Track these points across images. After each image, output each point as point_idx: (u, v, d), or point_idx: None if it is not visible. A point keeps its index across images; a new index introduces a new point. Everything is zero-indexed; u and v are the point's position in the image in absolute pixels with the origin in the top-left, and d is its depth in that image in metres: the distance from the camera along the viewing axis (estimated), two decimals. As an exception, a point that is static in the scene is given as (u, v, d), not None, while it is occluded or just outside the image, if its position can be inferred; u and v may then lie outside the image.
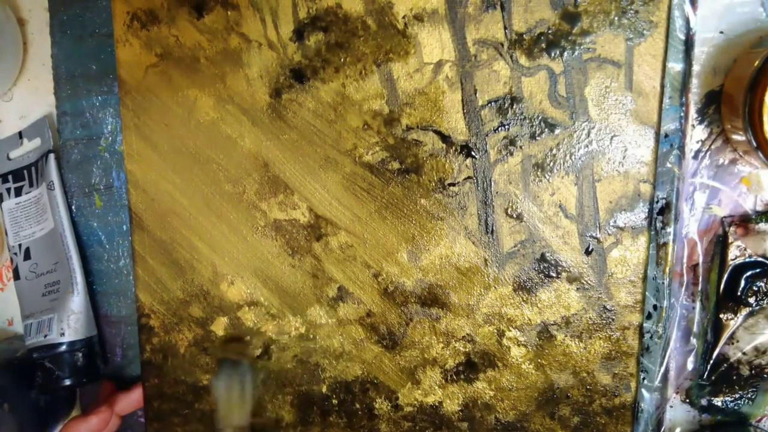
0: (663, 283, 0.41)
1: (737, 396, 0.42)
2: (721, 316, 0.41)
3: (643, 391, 0.42)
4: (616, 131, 0.40)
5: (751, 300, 0.40)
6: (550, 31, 0.39)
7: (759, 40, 0.40)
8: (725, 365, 0.41)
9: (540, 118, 0.40)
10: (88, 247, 0.46)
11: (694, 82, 0.40)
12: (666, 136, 0.40)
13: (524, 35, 0.39)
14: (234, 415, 0.42)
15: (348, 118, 0.41)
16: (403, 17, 0.40)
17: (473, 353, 0.43)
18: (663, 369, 0.42)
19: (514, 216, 0.41)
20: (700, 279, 0.42)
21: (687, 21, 0.39)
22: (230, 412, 0.42)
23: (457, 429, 0.44)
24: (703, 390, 0.42)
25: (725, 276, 0.41)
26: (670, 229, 0.41)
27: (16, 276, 0.46)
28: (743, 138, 0.37)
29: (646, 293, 0.41)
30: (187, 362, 0.45)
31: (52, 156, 0.45)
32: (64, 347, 0.43)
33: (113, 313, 0.46)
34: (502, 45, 0.40)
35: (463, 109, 0.41)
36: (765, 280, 0.40)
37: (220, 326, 0.44)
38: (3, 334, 0.50)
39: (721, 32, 0.40)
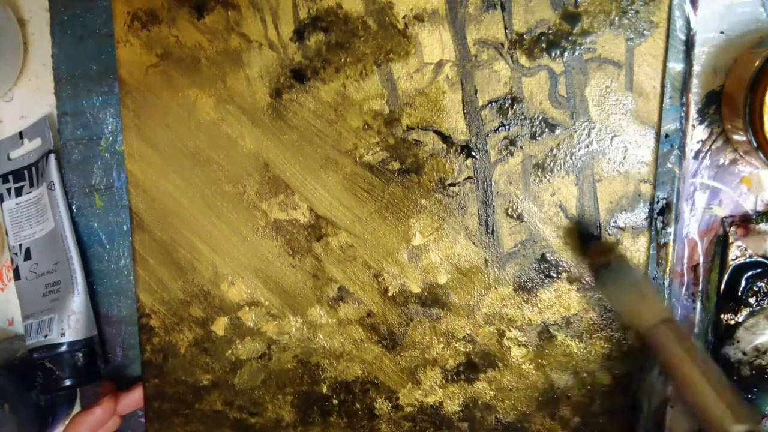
0: (663, 283, 0.41)
1: (738, 396, 0.42)
2: (722, 316, 0.41)
3: (644, 391, 0.42)
4: (617, 131, 0.40)
5: (752, 300, 0.40)
6: (550, 32, 0.39)
7: (759, 40, 0.40)
8: (726, 366, 0.41)
9: (540, 118, 0.40)
10: (89, 247, 0.46)
11: (695, 82, 0.40)
12: (666, 136, 0.40)
13: (525, 35, 0.39)
14: (657, 305, 0.36)
15: (348, 118, 0.41)
16: (404, 17, 0.40)
17: (474, 353, 0.43)
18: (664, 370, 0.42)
19: (515, 216, 0.41)
20: (701, 279, 0.42)
21: (687, 21, 0.39)
22: (653, 304, 0.36)
23: (457, 429, 0.44)
24: (704, 390, 0.42)
25: (726, 276, 0.41)
26: (670, 230, 0.41)
27: (17, 276, 0.46)
28: (744, 138, 0.37)
29: (647, 293, 0.41)
30: (187, 362, 0.45)
31: (52, 156, 0.45)
32: (64, 347, 0.43)
33: (114, 313, 0.46)
34: (503, 45, 0.40)
35: (463, 109, 0.41)
36: (765, 280, 0.40)
37: (220, 326, 0.44)
38: (3, 334, 0.50)
39: (722, 32, 0.40)
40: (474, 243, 0.42)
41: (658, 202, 0.40)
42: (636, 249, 0.40)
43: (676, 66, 0.39)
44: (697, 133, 0.41)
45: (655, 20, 0.38)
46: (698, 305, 0.42)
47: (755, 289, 0.40)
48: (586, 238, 0.39)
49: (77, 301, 0.44)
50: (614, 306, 0.39)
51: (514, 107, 0.40)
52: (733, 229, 0.40)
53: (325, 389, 0.44)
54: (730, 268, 0.41)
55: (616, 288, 0.38)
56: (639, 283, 0.37)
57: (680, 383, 0.33)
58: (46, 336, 0.43)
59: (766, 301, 0.40)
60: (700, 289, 0.42)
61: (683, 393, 0.33)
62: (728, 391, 0.32)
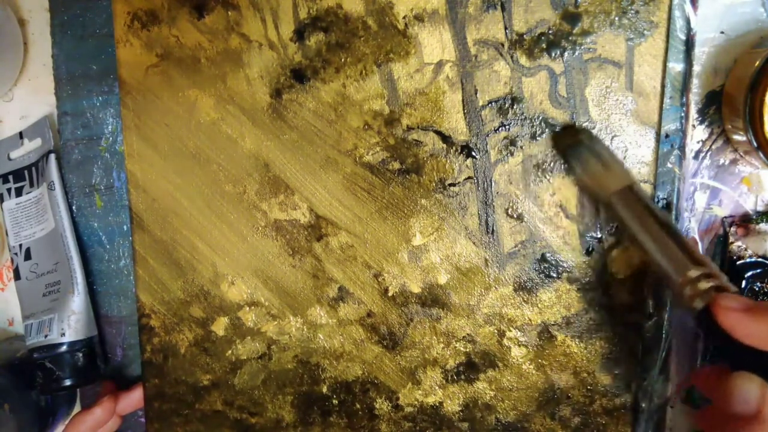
0: (664, 283, 0.41)
1: (738, 396, 0.42)
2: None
3: (644, 391, 0.42)
4: (617, 131, 0.40)
5: (752, 300, 0.40)
6: (550, 32, 0.39)
7: (760, 40, 0.40)
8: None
9: (540, 118, 0.40)
10: (89, 247, 0.46)
11: (695, 82, 0.40)
12: (667, 136, 0.40)
13: (525, 35, 0.39)
14: (619, 173, 0.37)
15: (348, 118, 0.41)
16: (404, 17, 0.40)
17: (474, 353, 0.43)
18: (664, 369, 0.42)
19: (515, 216, 0.41)
20: (701, 279, 0.42)
21: (688, 21, 0.39)
22: (616, 171, 0.37)
23: (457, 429, 0.44)
24: (704, 390, 0.42)
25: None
26: (670, 230, 0.41)
27: (17, 276, 0.46)
28: (744, 138, 0.37)
29: (647, 293, 0.41)
30: (187, 362, 0.45)
31: (52, 156, 0.45)
32: (64, 347, 0.43)
33: (114, 313, 0.46)
34: (503, 45, 0.40)
35: (463, 110, 0.41)
36: (766, 280, 0.40)
37: (220, 326, 0.44)
38: (3, 334, 0.50)
39: (722, 32, 0.40)
40: (474, 243, 0.42)
41: (658, 202, 0.40)
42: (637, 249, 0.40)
43: (677, 66, 0.39)
44: (698, 133, 0.41)
45: (655, 20, 0.38)
46: (698, 305, 0.42)
47: (755, 289, 0.40)
48: (564, 130, 0.40)
49: (77, 301, 0.44)
50: (583, 182, 0.39)
51: (515, 107, 0.40)
52: (733, 229, 0.40)
53: (325, 389, 0.44)
54: (731, 269, 0.41)
55: (583, 163, 0.39)
56: (602, 155, 0.38)
57: (641, 239, 0.35)
58: (46, 336, 0.43)
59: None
60: (700, 289, 0.42)
61: (644, 249, 0.35)
62: (685, 241, 0.33)
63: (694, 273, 0.32)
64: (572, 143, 0.39)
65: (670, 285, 0.34)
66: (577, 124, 0.39)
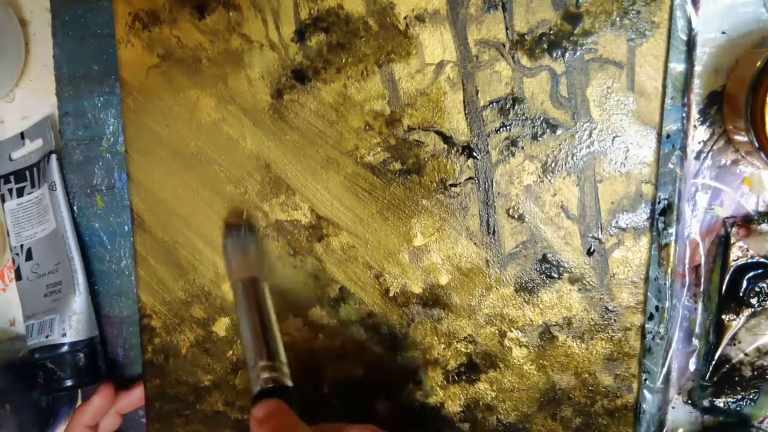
0: (665, 284, 0.41)
1: (739, 397, 0.42)
2: (723, 317, 0.41)
3: (645, 392, 0.42)
4: (618, 132, 0.40)
5: (753, 301, 0.40)
6: (551, 32, 0.39)
7: (761, 40, 0.40)
8: (727, 366, 0.41)
9: (542, 118, 0.40)
10: (90, 247, 0.46)
11: (696, 82, 0.40)
12: (668, 136, 0.40)
13: (526, 36, 0.39)
14: (242, 267, 0.42)
15: (349, 118, 0.41)
16: (405, 18, 0.40)
17: (475, 354, 0.43)
18: (665, 370, 0.42)
19: (516, 217, 0.41)
20: (702, 280, 0.42)
21: (689, 21, 0.39)
22: (240, 265, 0.42)
23: (458, 430, 0.44)
24: (706, 391, 0.42)
25: (727, 277, 0.41)
26: (672, 230, 0.41)
27: (18, 276, 0.46)
28: (745, 139, 0.37)
29: (648, 294, 0.41)
30: (188, 363, 0.45)
31: (53, 157, 0.45)
32: (65, 348, 0.43)
33: (115, 313, 0.47)
34: (504, 45, 0.40)
35: (464, 110, 0.41)
36: (767, 281, 0.40)
37: (221, 327, 0.44)
38: (5, 334, 0.50)
39: (723, 32, 0.40)
40: (475, 243, 0.42)
41: (659, 202, 0.40)
42: (637, 249, 0.40)
43: (678, 66, 0.39)
44: (699, 134, 0.41)
45: (656, 20, 0.38)
46: (700, 306, 0.42)
47: (757, 289, 0.40)
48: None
49: (78, 302, 0.44)
50: (226, 263, 0.43)
51: (516, 108, 0.40)
52: (734, 229, 0.40)
53: (326, 390, 0.44)
54: (732, 269, 0.41)
55: (230, 246, 0.43)
56: (242, 242, 0.42)
57: (241, 324, 0.40)
58: (47, 336, 0.43)
59: (767, 302, 0.40)
60: (701, 289, 0.42)
61: (240, 331, 0.40)
62: (272, 336, 0.38)
63: (262, 363, 0.37)
64: (230, 226, 0.43)
65: (247, 367, 0.38)
66: (244, 214, 0.43)
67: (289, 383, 0.37)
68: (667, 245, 0.41)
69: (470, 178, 0.41)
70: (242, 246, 0.42)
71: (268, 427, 0.33)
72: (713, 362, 0.41)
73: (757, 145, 0.36)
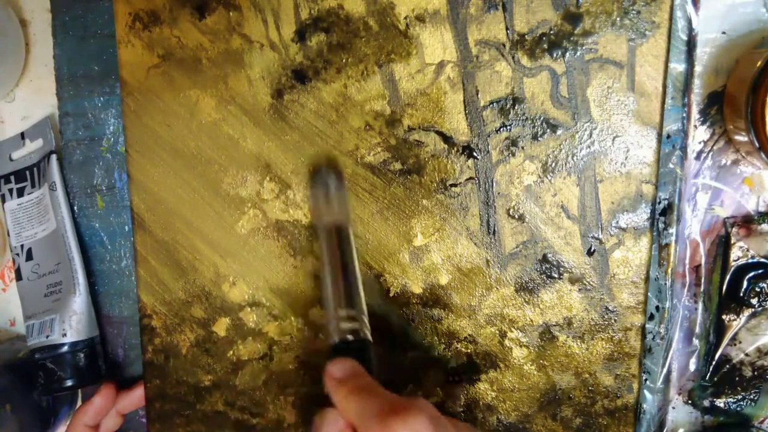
0: (665, 284, 0.41)
1: (740, 397, 0.42)
2: (724, 317, 0.41)
3: (646, 392, 0.42)
4: (619, 132, 0.40)
5: (754, 301, 0.40)
6: (552, 32, 0.39)
7: (761, 40, 0.40)
8: (728, 366, 0.41)
9: (542, 118, 0.40)
10: (90, 247, 0.46)
11: (697, 82, 0.40)
12: (668, 136, 0.40)
13: (526, 36, 0.39)
14: (336, 210, 0.41)
15: (350, 118, 0.41)
16: (405, 18, 0.40)
17: (475, 354, 0.43)
18: (665, 370, 0.42)
19: (516, 217, 0.41)
20: (703, 280, 0.42)
21: (689, 21, 0.39)
22: (333, 207, 0.41)
23: (458, 430, 0.44)
24: (706, 391, 0.42)
25: (727, 277, 0.41)
26: (672, 230, 0.41)
27: (18, 277, 0.46)
28: (746, 139, 0.37)
29: (649, 294, 0.41)
30: (189, 363, 0.45)
31: (54, 157, 0.45)
32: (66, 348, 0.43)
33: (115, 313, 0.47)
34: (504, 46, 0.40)
35: (464, 110, 0.41)
36: (767, 281, 0.40)
37: (221, 327, 0.44)
38: (5, 334, 0.50)
39: (724, 33, 0.40)
40: (475, 243, 0.42)
41: (660, 202, 0.40)
42: (638, 250, 0.40)
43: (678, 66, 0.39)
44: (699, 134, 0.41)
45: (656, 20, 0.38)
46: (700, 306, 0.42)
47: (757, 289, 0.40)
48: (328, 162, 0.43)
49: (79, 302, 0.44)
50: (310, 207, 0.43)
51: (516, 108, 0.40)
52: (735, 229, 0.40)
53: (326, 390, 0.44)
54: (732, 269, 0.41)
55: (313, 189, 0.42)
56: (329, 186, 0.41)
57: (323, 267, 0.39)
58: (47, 336, 0.43)
59: (767, 302, 0.40)
60: (702, 289, 0.42)
61: (322, 275, 0.39)
62: (354, 285, 0.38)
63: (342, 312, 0.36)
64: (317, 171, 0.42)
65: (326, 315, 0.38)
66: (334, 163, 0.42)
67: (369, 338, 0.36)
68: (667, 245, 0.41)
69: (470, 178, 0.41)
70: (329, 190, 0.41)
71: (347, 389, 0.32)
72: (713, 362, 0.41)
73: (757, 145, 0.36)
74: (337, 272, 0.38)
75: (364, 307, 0.37)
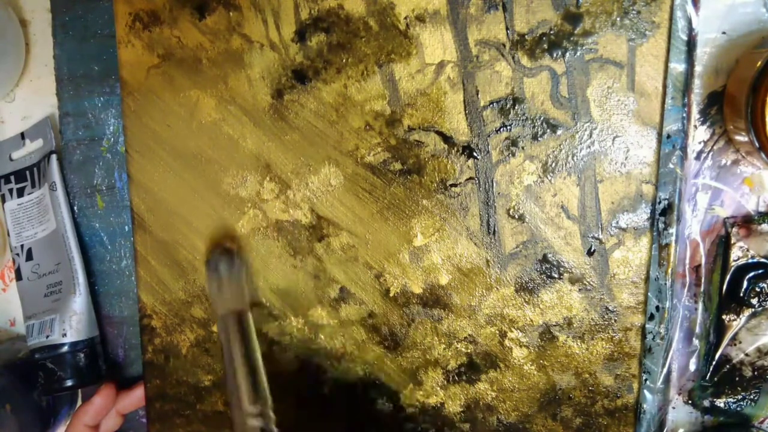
0: (665, 284, 0.41)
1: (740, 397, 0.42)
2: (724, 317, 0.41)
3: (646, 392, 0.42)
4: (619, 132, 0.40)
5: (754, 301, 0.40)
6: (552, 32, 0.39)
7: (761, 40, 0.40)
8: (728, 366, 0.41)
9: (542, 118, 0.40)
10: (90, 247, 0.46)
11: (697, 82, 0.40)
12: (668, 136, 0.40)
13: (526, 36, 0.39)
14: (229, 297, 0.41)
15: (350, 118, 0.41)
16: (405, 18, 0.40)
17: (475, 354, 0.43)
18: (665, 370, 0.42)
19: (516, 217, 0.41)
20: (703, 280, 0.42)
21: (689, 21, 0.39)
22: (226, 295, 0.41)
23: (459, 430, 0.44)
24: (706, 391, 0.42)
25: (728, 277, 0.41)
26: (672, 230, 0.41)
27: (18, 277, 0.46)
28: (746, 139, 0.37)
29: (649, 294, 0.41)
30: (189, 363, 0.45)
31: (54, 157, 0.45)
32: (66, 348, 0.43)
33: (115, 313, 0.47)
34: (504, 46, 0.40)
35: (464, 110, 0.41)
36: (767, 281, 0.40)
37: (221, 327, 0.44)
38: (5, 334, 0.50)
39: (724, 33, 0.40)
40: (475, 244, 0.42)
41: (660, 202, 0.40)
42: (638, 250, 0.40)
43: (678, 66, 0.39)
44: (699, 134, 0.41)
45: (656, 20, 0.38)
46: (700, 306, 0.42)
47: (757, 290, 0.40)
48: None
49: (79, 302, 0.44)
50: (209, 294, 0.43)
51: (516, 108, 0.40)
52: (735, 229, 0.40)
53: (326, 390, 0.44)
54: (732, 269, 0.41)
55: (207, 277, 0.42)
56: (220, 273, 0.41)
57: (225, 361, 0.39)
58: (47, 336, 0.43)
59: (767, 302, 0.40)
60: (702, 290, 0.42)
61: (225, 371, 0.39)
62: (258, 377, 0.38)
63: (250, 409, 0.37)
64: (210, 256, 0.42)
65: (231, 411, 0.38)
66: (226, 245, 0.42)
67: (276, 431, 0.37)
68: (667, 245, 0.41)
69: (470, 178, 0.41)
70: (220, 277, 0.41)
71: None
72: (714, 362, 0.41)
73: (757, 145, 0.36)
74: (239, 366, 0.38)
75: (269, 398, 0.38)
